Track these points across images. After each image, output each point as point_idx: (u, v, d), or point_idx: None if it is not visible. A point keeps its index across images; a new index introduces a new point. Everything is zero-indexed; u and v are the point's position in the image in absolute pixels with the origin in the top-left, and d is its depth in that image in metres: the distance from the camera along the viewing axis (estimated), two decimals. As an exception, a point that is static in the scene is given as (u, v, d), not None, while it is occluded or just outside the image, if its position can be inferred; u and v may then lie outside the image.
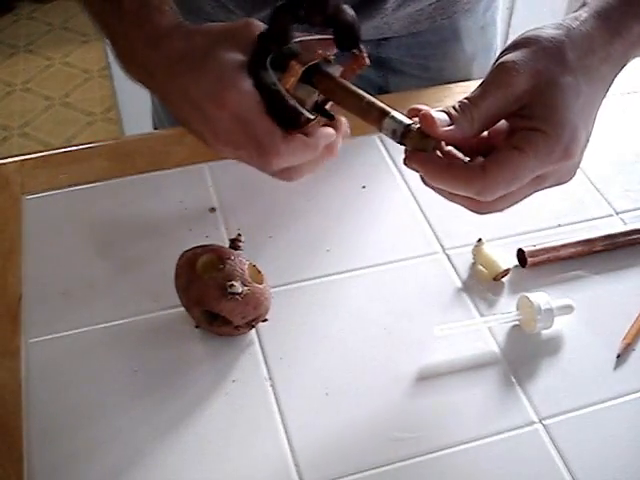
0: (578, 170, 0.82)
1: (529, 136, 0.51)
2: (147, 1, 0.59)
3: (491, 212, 0.55)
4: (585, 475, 0.58)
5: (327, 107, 0.59)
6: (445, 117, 0.51)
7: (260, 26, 0.57)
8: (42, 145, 2.30)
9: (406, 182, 0.81)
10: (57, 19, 2.83)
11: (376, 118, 0.53)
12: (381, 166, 0.83)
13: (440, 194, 0.55)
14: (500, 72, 0.52)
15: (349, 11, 0.55)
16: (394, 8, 0.85)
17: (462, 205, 0.55)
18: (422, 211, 0.78)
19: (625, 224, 0.77)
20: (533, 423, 0.62)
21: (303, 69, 0.54)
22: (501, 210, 0.55)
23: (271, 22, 0.55)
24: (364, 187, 0.81)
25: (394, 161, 0.84)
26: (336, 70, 0.56)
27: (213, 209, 0.78)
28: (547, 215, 0.78)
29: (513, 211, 0.77)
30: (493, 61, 0.54)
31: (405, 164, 0.53)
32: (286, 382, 0.64)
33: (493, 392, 0.64)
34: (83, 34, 2.75)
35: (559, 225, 0.77)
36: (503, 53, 0.53)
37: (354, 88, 0.55)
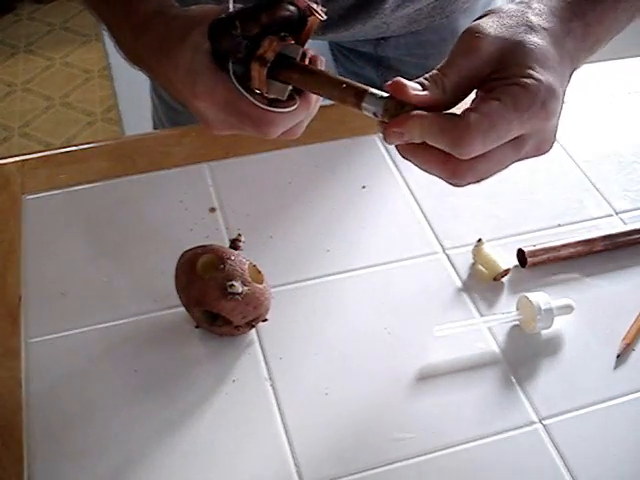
0: (578, 170, 0.83)
1: (508, 89, 0.49)
2: None
3: (468, 182, 0.52)
4: (585, 475, 0.58)
5: None
6: (417, 86, 0.50)
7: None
8: (42, 145, 2.30)
9: (406, 182, 0.81)
10: (57, 19, 2.83)
11: (354, 101, 0.51)
12: (381, 166, 0.83)
13: (415, 160, 0.51)
14: (465, 38, 0.51)
15: (285, 5, 0.53)
16: (393, 8, 0.85)
17: (438, 173, 0.51)
18: (422, 211, 0.78)
19: (625, 224, 0.77)
20: (533, 423, 0.62)
21: (266, 70, 0.53)
22: (479, 180, 0.52)
23: (211, 42, 0.54)
24: (364, 187, 0.81)
25: (394, 161, 0.84)
26: (298, 51, 0.54)
27: (213, 209, 0.78)
28: (547, 215, 0.78)
29: (513, 211, 0.78)
30: None
31: (386, 140, 0.50)
32: (286, 382, 0.64)
33: (493, 392, 0.64)
34: (83, 34, 2.75)
35: (559, 225, 0.77)
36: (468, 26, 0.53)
37: (325, 74, 0.53)
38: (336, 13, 0.85)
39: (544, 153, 0.54)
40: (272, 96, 0.54)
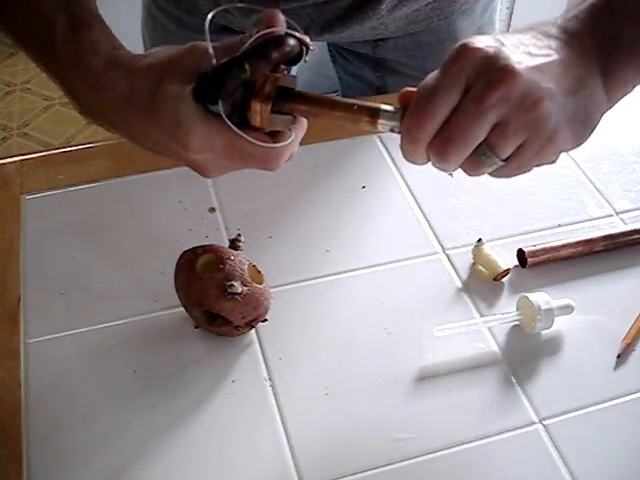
0: (578, 170, 0.83)
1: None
2: (79, 41, 0.54)
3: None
4: (585, 475, 0.58)
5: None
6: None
7: (203, 49, 0.52)
8: (42, 145, 2.30)
9: (406, 182, 0.81)
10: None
11: (369, 120, 0.51)
12: (381, 166, 0.83)
13: None
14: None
15: (290, 41, 0.50)
16: (389, 9, 0.85)
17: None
18: (422, 211, 0.78)
19: (625, 224, 0.77)
20: (533, 423, 0.62)
21: (270, 105, 0.50)
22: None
23: (210, 90, 0.50)
24: (364, 187, 0.81)
25: (394, 161, 0.84)
26: (293, 80, 0.53)
27: (213, 209, 0.78)
28: (547, 215, 0.78)
29: (513, 211, 0.78)
30: None
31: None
32: (286, 382, 0.64)
33: (493, 392, 0.63)
34: (83, 34, 2.75)
35: (559, 225, 0.77)
36: None
37: (331, 98, 0.52)
38: (334, 14, 0.85)
39: (547, 154, 0.51)
40: (276, 129, 0.52)
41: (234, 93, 0.50)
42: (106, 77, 0.53)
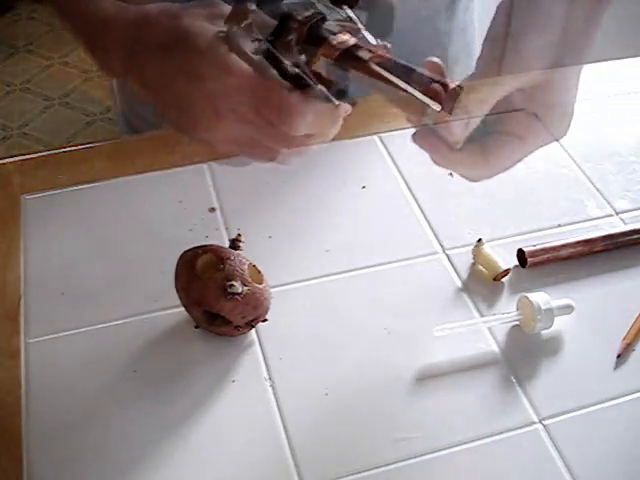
0: (578, 170, 0.83)
1: (526, 121, 0.55)
2: None
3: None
4: (585, 475, 0.58)
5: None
6: None
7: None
8: (42, 145, 2.30)
9: (406, 182, 0.81)
10: (57, 19, 2.83)
11: (417, 109, 0.53)
12: (381, 166, 0.83)
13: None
14: None
15: None
16: None
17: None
18: (422, 211, 0.78)
19: (625, 224, 0.77)
20: (533, 423, 0.62)
21: (336, 55, 0.52)
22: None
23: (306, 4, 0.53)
24: (364, 187, 0.81)
25: (394, 161, 0.84)
26: (365, 54, 0.54)
27: (213, 209, 0.78)
28: (547, 215, 0.78)
29: (513, 211, 0.78)
30: (474, 63, 0.56)
31: (414, 141, 0.55)
32: (286, 382, 0.64)
33: (493, 392, 0.63)
34: (83, 34, 2.75)
35: (559, 225, 0.77)
36: None
37: (391, 77, 0.53)
38: None
39: None
40: (329, 79, 0.54)
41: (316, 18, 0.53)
42: (155, 16, 0.55)
